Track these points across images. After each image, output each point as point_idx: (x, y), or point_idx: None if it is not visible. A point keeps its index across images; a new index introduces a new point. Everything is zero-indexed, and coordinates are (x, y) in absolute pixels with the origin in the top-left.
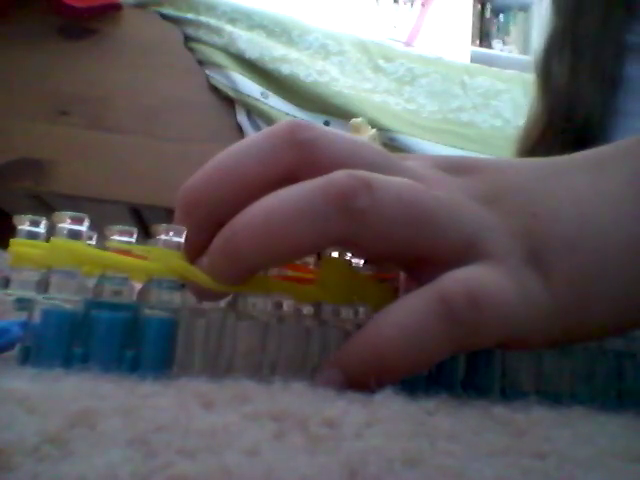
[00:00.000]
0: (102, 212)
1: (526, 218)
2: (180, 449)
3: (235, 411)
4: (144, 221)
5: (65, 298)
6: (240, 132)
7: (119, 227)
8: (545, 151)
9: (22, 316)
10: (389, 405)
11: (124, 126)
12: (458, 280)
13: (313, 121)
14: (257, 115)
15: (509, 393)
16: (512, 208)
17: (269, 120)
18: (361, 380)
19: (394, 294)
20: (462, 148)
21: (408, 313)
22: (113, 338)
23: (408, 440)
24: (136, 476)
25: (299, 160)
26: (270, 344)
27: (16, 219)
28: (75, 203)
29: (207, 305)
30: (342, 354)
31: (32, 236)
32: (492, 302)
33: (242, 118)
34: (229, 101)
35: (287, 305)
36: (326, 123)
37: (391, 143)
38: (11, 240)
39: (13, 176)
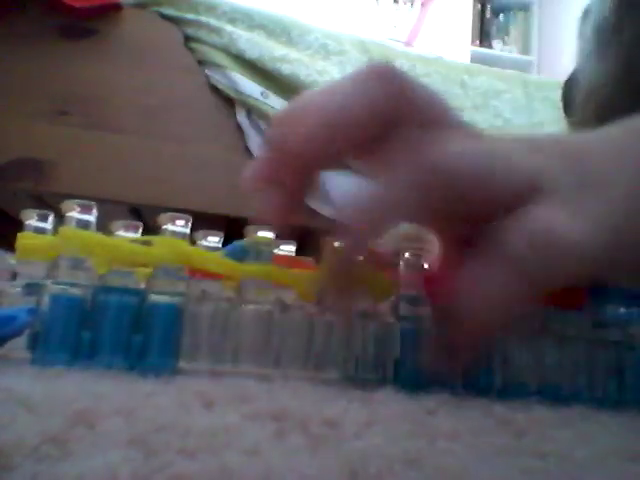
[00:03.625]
0: (102, 212)
1: (571, 160)
2: (180, 449)
3: (235, 411)
4: (144, 221)
5: (73, 283)
6: (240, 132)
7: (123, 222)
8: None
9: (29, 303)
10: (389, 405)
11: (124, 126)
12: (523, 233)
13: None
14: (257, 115)
15: (510, 385)
16: (557, 154)
17: (269, 120)
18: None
19: (393, 283)
20: None
21: (493, 292)
22: (121, 323)
23: (408, 440)
24: (136, 476)
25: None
26: (274, 332)
27: (23, 214)
28: None
29: (212, 293)
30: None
31: (39, 231)
32: (559, 242)
33: (242, 118)
34: (229, 101)
35: (290, 296)
36: None
37: None
38: (19, 234)
39: (13, 176)
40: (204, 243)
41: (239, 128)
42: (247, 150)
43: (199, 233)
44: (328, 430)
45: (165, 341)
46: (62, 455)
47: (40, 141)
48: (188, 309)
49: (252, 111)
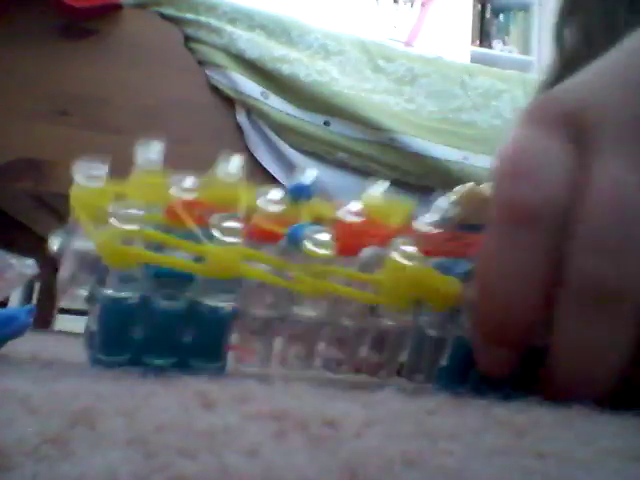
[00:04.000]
0: None
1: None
2: (180, 449)
3: (235, 411)
4: None
5: (125, 294)
6: (240, 132)
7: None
8: None
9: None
10: (389, 405)
11: (124, 126)
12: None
13: (315, 121)
14: (257, 115)
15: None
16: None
17: (269, 120)
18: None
19: (459, 290)
20: (462, 148)
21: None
22: (170, 328)
23: (408, 440)
24: (136, 476)
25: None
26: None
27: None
28: None
29: (257, 308)
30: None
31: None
32: (631, 204)
33: (242, 118)
34: (229, 101)
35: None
36: (326, 123)
37: (391, 143)
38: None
39: (13, 176)
40: (267, 206)
41: (239, 128)
42: (247, 150)
43: (261, 190)
44: (328, 430)
45: (215, 346)
46: (62, 455)
47: (40, 141)
48: (239, 316)
49: (252, 111)
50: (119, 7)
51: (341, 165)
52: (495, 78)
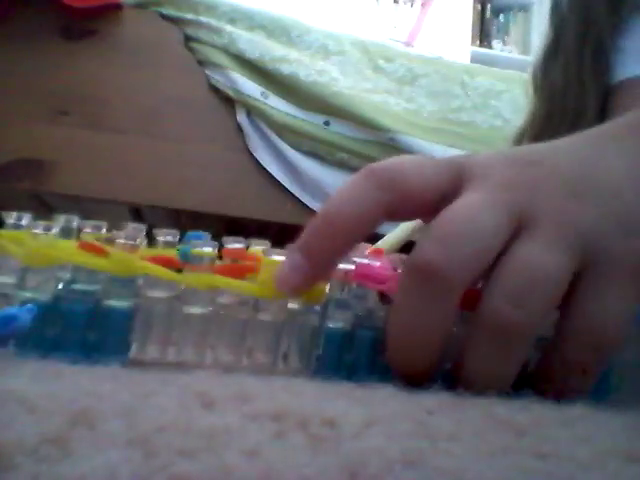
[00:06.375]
0: (102, 212)
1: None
2: (180, 449)
3: (235, 411)
4: (144, 221)
5: (38, 294)
6: (240, 132)
7: (93, 222)
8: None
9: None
10: (389, 405)
11: (124, 126)
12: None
13: (315, 121)
14: (257, 115)
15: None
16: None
17: (269, 120)
18: (318, 256)
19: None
20: (462, 148)
21: (346, 186)
22: (77, 325)
23: (408, 440)
24: (136, 476)
25: (389, 201)
26: (211, 334)
27: (4, 215)
28: (75, 203)
29: (159, 297)
30: (301, 238)
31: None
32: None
33: (242, 118)
34: (229, 101)
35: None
36: (326, 123)
37: (391, 143)
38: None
39: (13, 176)
40: (162, 239)
41: (239, 128)
42: (247, 150)
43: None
44: (328, 430)
45: (117, 342)
46: (62, 455)
47: (40, 141)
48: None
49: (252, 111)
50: (119, 7)
51: (341, 165)
52: (495, 78)
